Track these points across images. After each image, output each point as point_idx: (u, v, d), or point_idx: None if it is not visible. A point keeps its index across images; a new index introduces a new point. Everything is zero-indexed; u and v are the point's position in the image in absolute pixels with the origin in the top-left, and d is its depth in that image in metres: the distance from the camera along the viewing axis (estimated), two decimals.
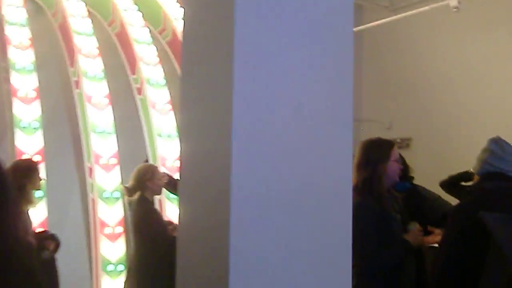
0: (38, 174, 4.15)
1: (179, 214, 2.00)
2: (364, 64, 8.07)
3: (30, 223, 4.18)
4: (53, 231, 4.64)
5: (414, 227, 3.24)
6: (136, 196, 4.57)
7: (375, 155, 3.19)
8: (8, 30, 5.77)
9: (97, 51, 6.07)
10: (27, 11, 6.14)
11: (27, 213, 4.16)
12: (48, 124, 5.72)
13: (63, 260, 4.60)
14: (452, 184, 4.41)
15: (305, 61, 1.92)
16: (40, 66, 5.85)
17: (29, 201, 4.07)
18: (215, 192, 1.81)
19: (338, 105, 1.99)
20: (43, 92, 5.73)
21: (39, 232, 4.45)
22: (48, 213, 5.23)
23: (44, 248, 4.21)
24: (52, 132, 5.78)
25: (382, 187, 3.13)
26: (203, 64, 1.99)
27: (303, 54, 1.92)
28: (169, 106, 6.14)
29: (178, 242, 1.96)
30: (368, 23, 7.51)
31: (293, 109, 1.89)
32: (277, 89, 1.87)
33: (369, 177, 3.12)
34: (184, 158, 2.02)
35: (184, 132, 2.06)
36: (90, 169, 5.49)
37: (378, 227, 3.00)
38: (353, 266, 1.98)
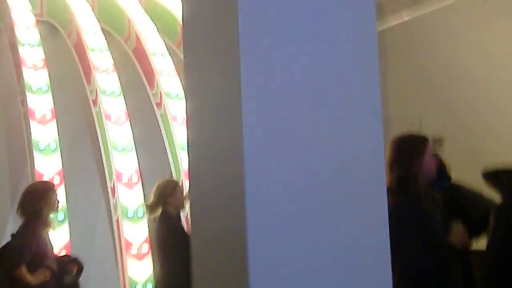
0: (55, 196, 4.00)
1: (191, 220, 1.81)
2: (388, 64, 7.82)
3: (51, 247, 4.02)
4: (79, 254, 4.49)
5: (457, 227, 2.96)
6: (158, 212, 4.40)
7: (408, 151, 2.93)
8: (21, 52, 5.67)
9: (113, 67, 5.96)
10: (41, 32, 6.06)
11: (47, 237, 4.00)
12: (70, 144, 5.61)
13: (92, 284, 4.45)
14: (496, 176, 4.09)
15: (326, 57, 1.74)
16: (58, 86, 5.75)
17: (46, 224, 3.91)
18: (227, 195, 1.61)
19: (364, 99, 1.83)
20: (63, 113, 5.63)
21: (61, 256, 4.30)
22: (73, 236, 5.08)
23: (67, 272, 4.04)
24: (74, 153, 5.67)
25: (418, 185, 2.87)
26: (207, 60, 1.82)
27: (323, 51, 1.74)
28: None
29: (192, 249, 1.77)
30: (389, 21, 7.27)
31: (313, 104, 1.70)
32: (294, 86, 1.71)
33: (404, 175, 2.86)
34: (193, 158, 1.83)
35: (192, 129, 1.89)
36: (113, 188, 5.34)
37: (418, 229, 2.75)
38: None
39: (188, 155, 1.87)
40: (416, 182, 2.87)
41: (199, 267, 1.78)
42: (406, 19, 7.12)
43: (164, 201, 4.42)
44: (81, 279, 4.24)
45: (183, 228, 4.76)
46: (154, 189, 4.51)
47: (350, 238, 1.70)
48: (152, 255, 5.18)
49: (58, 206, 4.03)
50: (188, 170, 1.84)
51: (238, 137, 1.60)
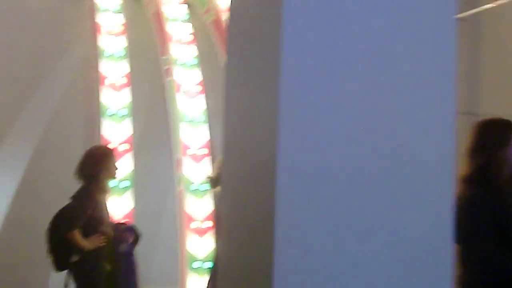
0: (114, 162, 3.89)
1: (225, 208, 1.75)
2: (481, 54, 7.27)
3: (108, 213, 3.93)
4: (141, 224, 4.41)
5: None
6: (219, 187, 4.23)
7: (493, 138, 2.59)
8: (100, 17, 5.65)
9: (191, 38, 5.84)
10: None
11: (105, 202, 3.91)
12: (143, 113, 5.56)
13: (152, 255, 4.37)
14: None
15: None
16: (134, 54, 5.70)
17: (103, 190, 3.82)
18: (260, 184, 1.47)
19: (433, 90, 1.65)
20: (137, 81, 5.58)
21: (118, 224, 4.21)
22: (137, 205, 5.02)
23: (122, 241, 3.94)
24: (147, 121, 5.61)
25: (501, 177, 2.52)
26: (249, 52, 1.70)
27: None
28: None
29: (222, 239, 1.61)
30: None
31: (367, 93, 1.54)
32: (343, 69, 1.54)
33: (485, 164, 2.53)
34: (227, 147, 1.79)
35: (228, 121, 1.84)
36: (178, 160, 5.23)
37: (496, 226, 2.41)
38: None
39: (223, 144, 1.80)
40: (499, 173, 2.52)
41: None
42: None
43: None
44: (140, 249, 4.16)
45: None
46: (216, 162, 4.34)
47: (406, 240, 1.47)
48: (215, 232, 5.04)
49: (116, 173, 3.92)
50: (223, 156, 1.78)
51: (272, 127, 1.45)
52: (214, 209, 4.97)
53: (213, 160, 5.28)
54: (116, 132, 5.07)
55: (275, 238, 1.35)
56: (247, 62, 1.72)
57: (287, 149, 1.43)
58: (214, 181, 4.34)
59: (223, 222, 1.81)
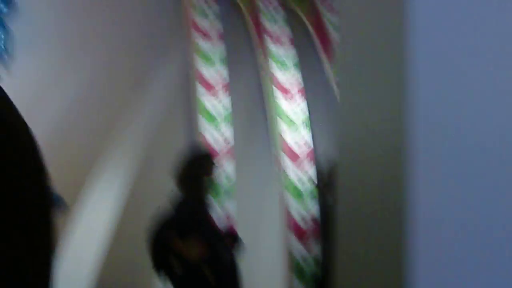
0: (213, 166, 3.76)
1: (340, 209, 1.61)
2: None
3: (210, 218, 3.81)
4: (244, 229, 4.28)
5: None
6: (330, 189, 4.02)
7: None
8: (199, 22, 5.62)
9: (290, 40, 5.70)
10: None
11: (206, 207, 3.79)
12: (242, 115, 5.46)
13: (256, 260, 4.22)
14: None
15: None
16: (232, 57, 5.63)
17: (203, 196, 3.69)
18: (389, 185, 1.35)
19: None
20: (236, 83, 5.50)
21: (220, 229, 4.07)
22: (239, 209, 4.90)
23: (226, 248, 3.80)
24: (246, 124, 5.50)
25: None
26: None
27: None
28: None
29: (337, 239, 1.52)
30: None
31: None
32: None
33: None
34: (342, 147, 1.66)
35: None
36: (279, 162, 5.06)
37: None
38: None
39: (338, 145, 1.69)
40: None
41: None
42: None
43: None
44: (242, 256, 4.02)
45: None
46: (327, 164, 4.15)
47: None
48: (319, 234, 4.81)
49: (216, 177, 3.80)
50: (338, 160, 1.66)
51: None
52: (321, 211, 4.75)
53: (315, 161, 5.08)
54: (215, 136, 4.98)
55: (410, 239, 1.15)
56: (366, 59, 1.62)
57: (420, 143, 1.30)
58: (322, 183, 4.18)
59: (337, 224, 1.64)
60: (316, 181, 4.23)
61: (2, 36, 5.55)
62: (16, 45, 5.57)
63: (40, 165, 0.88)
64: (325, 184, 4.30)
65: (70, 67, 5.59)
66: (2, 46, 5.55)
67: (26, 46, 5.57)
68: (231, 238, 3.93)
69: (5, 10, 5.57)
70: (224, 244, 3.79)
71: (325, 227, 4.15)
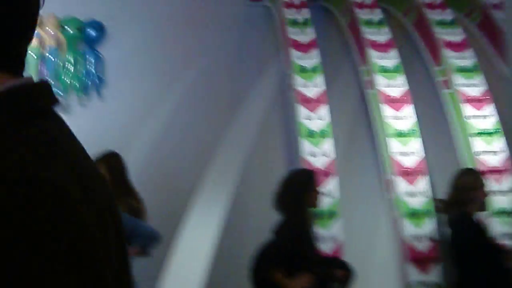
0: (316, 188, 3.35)
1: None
2: None
3: (315, 247, 3.39)
4: (352, 258, 3.83)
5: None
6: (456, 211, 3.53)
7: None
8: (292, 32, 5.25)
9: (391, 43, 5.20)
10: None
11: (311, 234, 3.38)
12: (344, 131, 5.02)
13: None
14: None
15: None
16: (329, 67, 5.21)
17: (308, 219, 3.29)
18: None
19: None
20: (335, 97, 5.07)
21: (328, 259, 3.65)
22: (347, 236, 4.43)
23: (333, 279, 3.37)
24: (350, 140, 5.06)
25: None
26: None
27: None
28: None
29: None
30: None
31: None
32: None
33: None
34: None
35: None
36: (390, 181, 4.55)
37: None
38: None
39: None
40: None
41: None
42: None
43: (464, 198, 3.55)
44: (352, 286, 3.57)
45: (487, 233, 3.81)
46: (451, 182, 3.67)
47: None
48: (442, 261, 4.26)
49: (320, 200, 3.38)
50: None
51: None
52: (441, 235, 4.20)
53: (431, 179, 4.55)
54: (316, 154, 4.55)
55: None
56: None
57: None
58: (448, 205, 3.68)
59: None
60: (443, 202, 3.74)
61: (93, 61, 5.44)
62: (107, 69, 5.47)
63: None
64: (447, 201, 3.80)
65: (163, 90, 5.43)
66: (93, 71, 5.44)
67: (117, 70, 5.45)
68: (340, 268, 3.50)
69: (94, 35, 5.46)
70: (332, 276, 3.37)
71: (449, 248, 3.64)
